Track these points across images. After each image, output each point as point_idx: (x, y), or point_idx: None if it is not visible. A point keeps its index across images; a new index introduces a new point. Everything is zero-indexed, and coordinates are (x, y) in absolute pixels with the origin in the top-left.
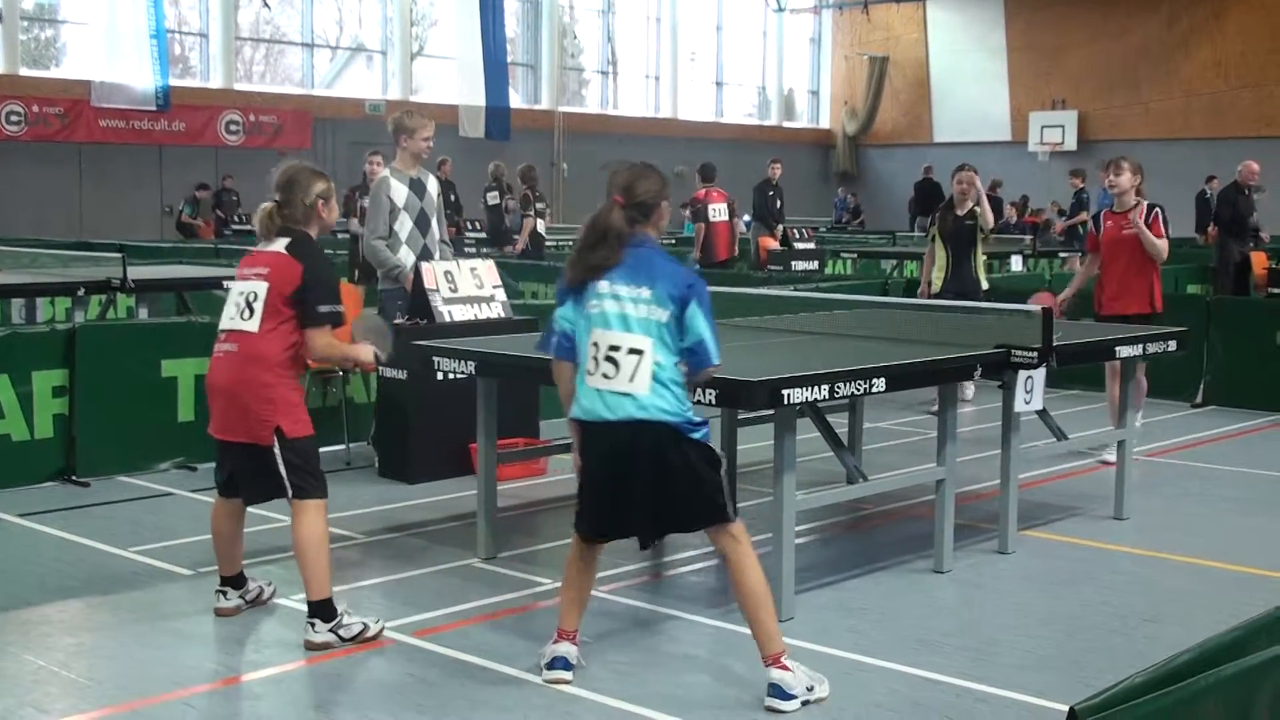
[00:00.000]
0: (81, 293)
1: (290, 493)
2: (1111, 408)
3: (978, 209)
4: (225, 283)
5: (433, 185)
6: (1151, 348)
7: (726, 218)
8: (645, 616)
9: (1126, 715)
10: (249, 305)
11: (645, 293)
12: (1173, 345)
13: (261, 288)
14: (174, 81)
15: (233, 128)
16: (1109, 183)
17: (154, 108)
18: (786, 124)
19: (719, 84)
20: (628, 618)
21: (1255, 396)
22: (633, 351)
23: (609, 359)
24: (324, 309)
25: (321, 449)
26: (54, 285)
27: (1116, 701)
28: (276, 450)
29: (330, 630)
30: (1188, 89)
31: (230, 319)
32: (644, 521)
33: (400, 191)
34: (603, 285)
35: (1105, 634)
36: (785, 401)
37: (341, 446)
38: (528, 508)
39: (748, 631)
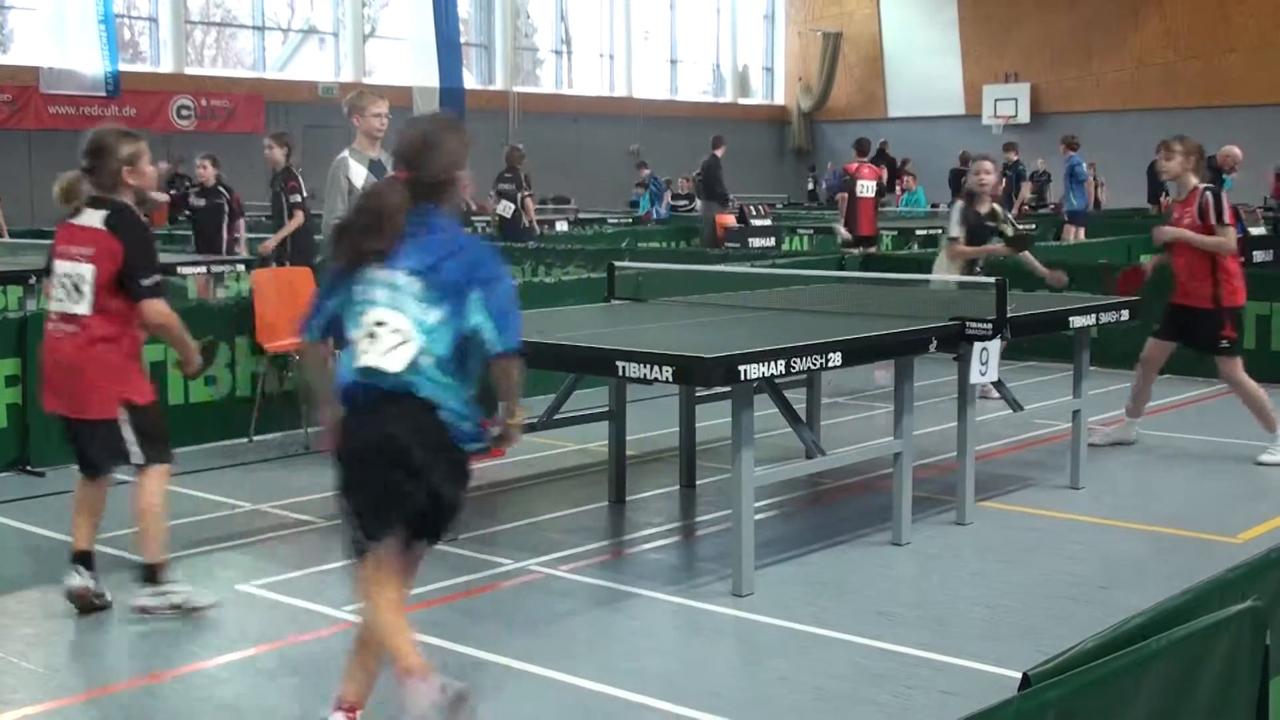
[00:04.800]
0: (33, 281)
1: (138, 459)
2: (1145, 381)
3: (999, 209)
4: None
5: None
6: (1104, 318)
7: (874, 194)
8: (605, 595)
9: (1080, 679)
10: (77, 288)
11: (418, 279)
12: (1125, 315)
13: (88, 270)
14: (124, 67)
15: (184, 113)
16: (1160, 168)
17: (104, 94)
18: (741, 101)
19: (673, 62)
20: (587, 596)
21: (1209, 365)
22: (396, 332)
23: (371, 335)
24: (147, 282)
25: (279, 433)
26: (5, 274)
27: (1070, 666)
28: (125, 420)
29: (154, 595)
30: (1138, 60)
31: (60, 301)
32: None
33: (359, 172)
34: (379, 271)
35: (1062, 602)
36: (742, 377)
37: (300, 430)
38: (487, 488)
39: (709, 607)
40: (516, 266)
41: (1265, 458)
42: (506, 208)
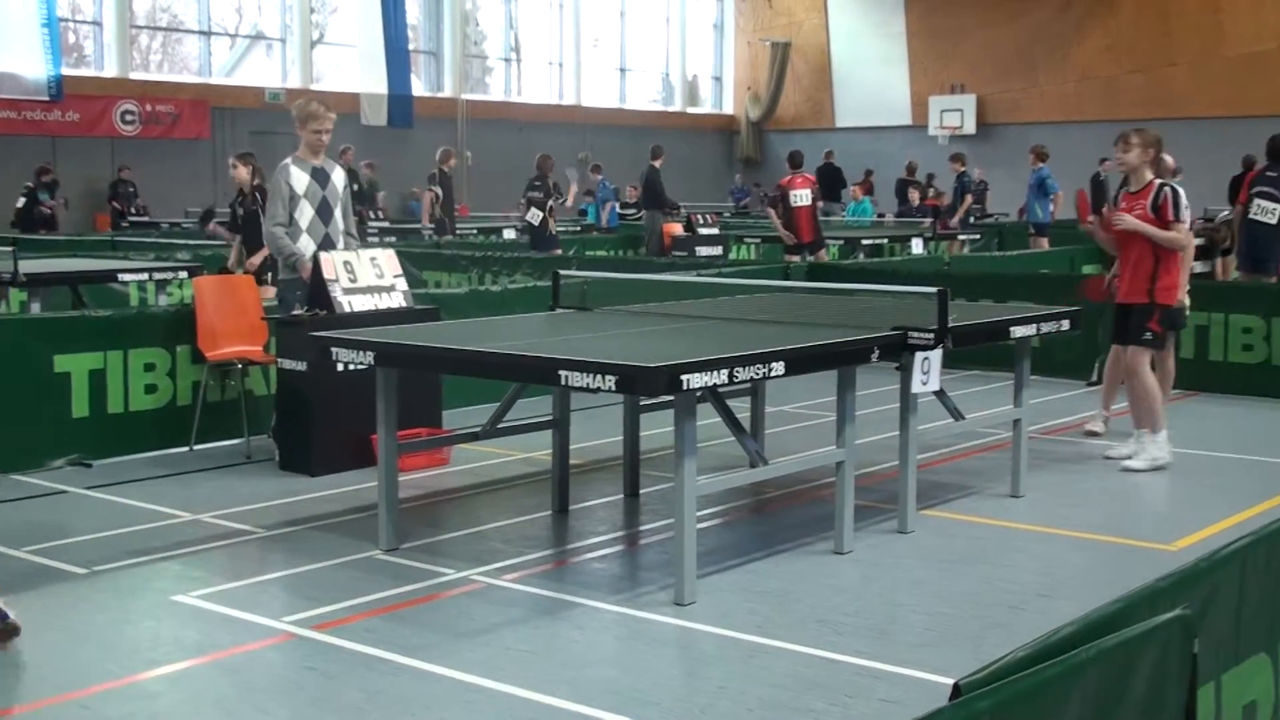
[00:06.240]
0: None
1: None
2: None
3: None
4: (121, 276)
5: (338, 175)
6: (1045, 327)
7: (809, 202)
8: (547, 604)
9: (1010, 688)
10: None
11: None
12: (1066, 325)
13: None
14: (67, 71)
15: (129, 118)
16: (1117, 160)
17: (46, 98)
18: (690, 110)
19: (622, 70)
20: (529, 606)
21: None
22: None
23: None
24: None
25: (221, 443)
26: None
27: (1001, 675)
28: None
29: None
30: (1081, 73)
31: None
32: None
33: (300, 179)
34: None
35: (1001, 610)
36: (684, 387)
37: (241, 440)
38: (431, 498)
39: (652, 617)
40: (462, 274)
41: (1129, 460)
42: (536, 215)
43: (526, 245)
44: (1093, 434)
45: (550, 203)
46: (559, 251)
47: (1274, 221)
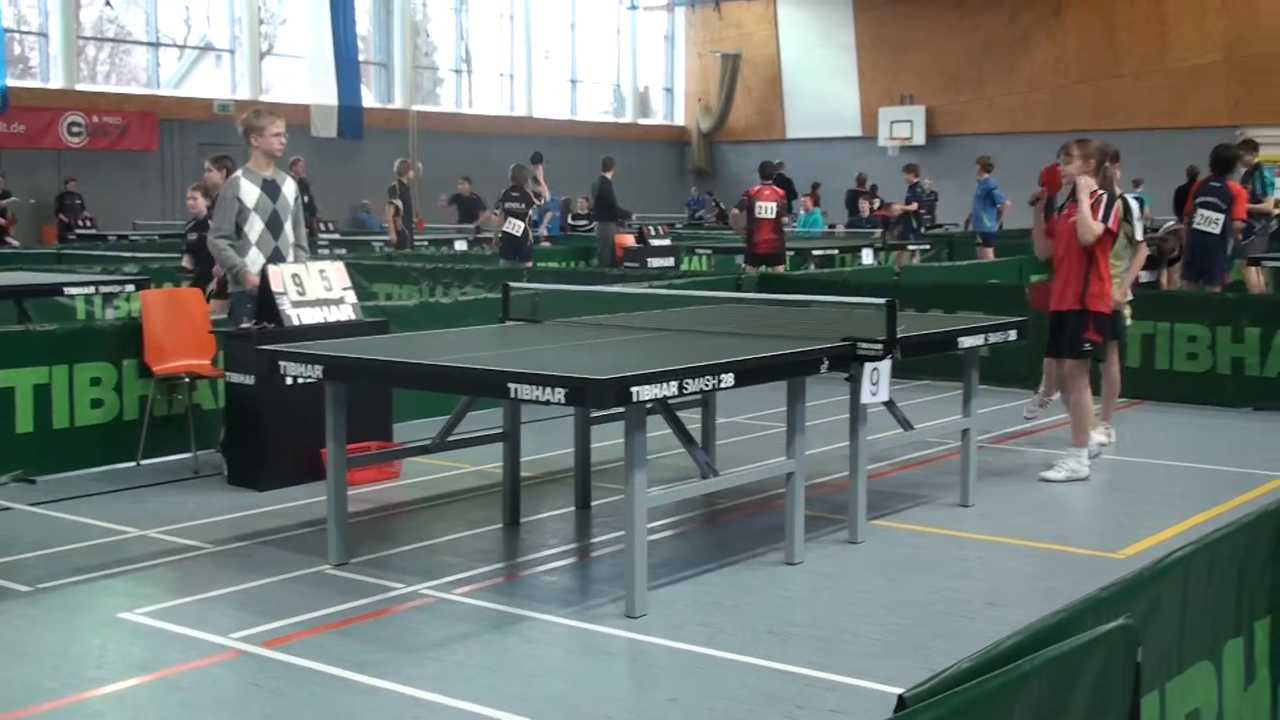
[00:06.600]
0: None
1: None
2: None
3: None
4: (67, 289)
5: (289, 188)
6: (993, 337)
7: (773, 215)
8: (497, 618)
9: (954, 700)
10: None
11: None
12: (1013, 334)
13: None
14: (12, 82)
15: (75, 129)
16: (1060, 172)
17: None
18: (642, 121)
19: (574, 82)
20: (479, 620)
21: (1094, 383)
22: None
23: None
24: None
25: (168, 458)
26: None
27: (945, 687)
28: None
29: None
30: (1029, 84)
31: None
32: None
33: (251, 192)
34: None
35: (951, 619)
36: (634, 399)
37: (189, 455)
38: (381, 511)
39: (603, 629)
40: (413, 287)
41: (1050, 474)
42: (516, 225)
43: (492, 257)
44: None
45: (530, 212)
46: (530, 264)
47: (1218, 231)
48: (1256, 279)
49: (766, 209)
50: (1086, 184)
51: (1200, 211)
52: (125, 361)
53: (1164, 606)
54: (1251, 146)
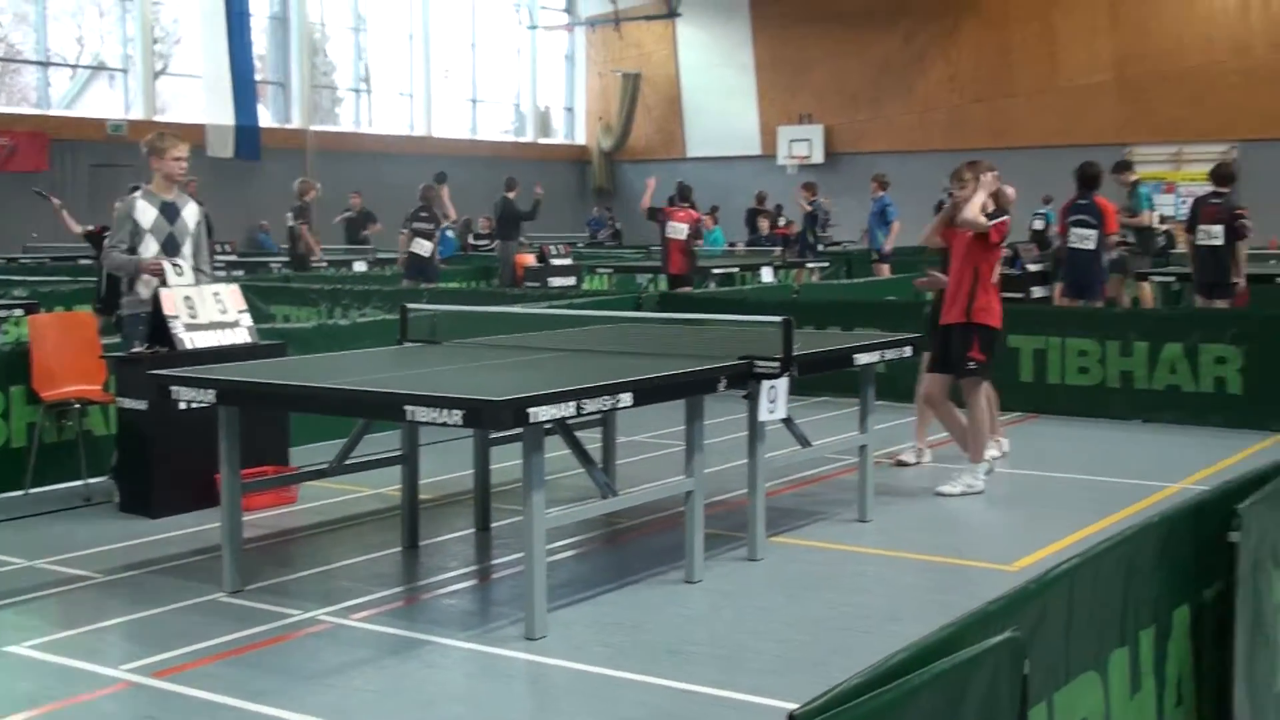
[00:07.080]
0: None
1: None
2: (923, 418)
3: None
4: None
5: (190, 211)
6: (889, 354)
7: (684, 237)
8: (395, 643)
9: (844, 716)
10: None
11: None
12: (909, 351)
13: None
14: None
15: None
16: (954, 197)
17: None
18: (543, 140)
19: (474, 101)
20: (377, 645)
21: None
22: None
23: None
24: None
25: (59, 485)
26: None
27: (835, 703)
28: None
29: None
30: (925, 103)
31: None
32: None
33: (148, 213)
34: None
35: (849, 635)
36: (531, 420)
37: (80, 482)
38: (277, 537)
39: (503, 652)
40: (312, 308)
41: (946, 488)
42: (423, 246)
43: (393, 277)
44: (903, 464)
45: (437, 232)
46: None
47: (1093, 247)
48: (1148, 294)
49: (678, 230)
50: (988, 184)
51: (1073, 230)
52: (12, 388)
53: (1050, 618)
54: (1126, 166)
